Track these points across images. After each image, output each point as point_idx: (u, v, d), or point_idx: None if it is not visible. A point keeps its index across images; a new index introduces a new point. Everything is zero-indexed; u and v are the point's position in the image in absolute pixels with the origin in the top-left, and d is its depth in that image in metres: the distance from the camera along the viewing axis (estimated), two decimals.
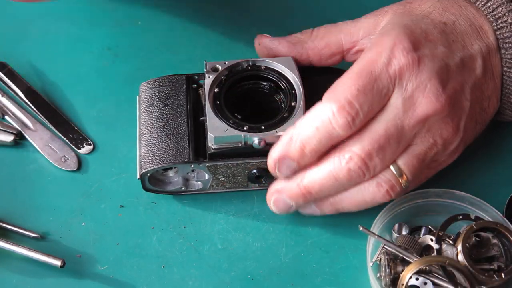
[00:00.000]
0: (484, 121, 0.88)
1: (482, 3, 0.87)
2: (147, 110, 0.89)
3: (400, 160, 0.82)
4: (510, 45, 0.86)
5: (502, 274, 0.83)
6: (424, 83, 0.80)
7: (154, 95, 0.90)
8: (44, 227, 0.89)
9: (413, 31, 0.82)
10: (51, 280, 0.86)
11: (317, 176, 0.82)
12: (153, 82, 0.91)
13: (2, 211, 0.90)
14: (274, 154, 0.82)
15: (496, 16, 0.86)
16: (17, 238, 0.88)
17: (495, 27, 0.87)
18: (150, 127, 0.88)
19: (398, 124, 0.80)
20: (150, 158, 0.86)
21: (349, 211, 0.86)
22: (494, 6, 0.87)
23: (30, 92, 0.97)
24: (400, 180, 0.82)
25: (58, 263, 0.84)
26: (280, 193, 0.85)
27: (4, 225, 0.88)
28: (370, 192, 0.82)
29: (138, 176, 0.87)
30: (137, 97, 0.92)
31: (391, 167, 0.82)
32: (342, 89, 0.80)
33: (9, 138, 0.94)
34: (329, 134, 0.80)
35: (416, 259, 0.83)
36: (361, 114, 0.79)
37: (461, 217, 0.86)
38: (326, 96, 0.81)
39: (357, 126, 0.80)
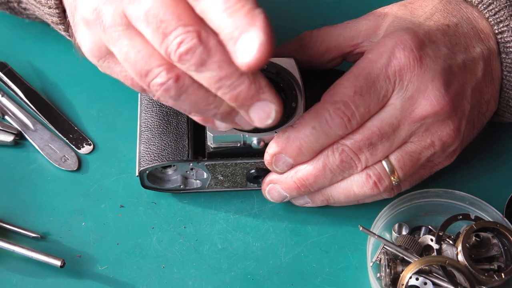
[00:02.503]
0: (481, 125, 0.89)
1: (484, 6, 0.87)
2: (148, 108, 0.89)
3: (393, 156, 0.82)
4: (511, 49, 0.86)
5: (502, 274, 0.83)
6: (426, 84, 0.80)
7: None
8: (44, 227, 0.89)
9: (416, 33, 0.82)
10: (51, 280, 0.86)
11: (311, 168, 0.82)
12: None
13: (2, 211, 0.90)
14: (271, 150, 0.82)
15: (498, 20, 0.86)
16: (17, 238, 0.88)
17: (496, 31, 0.87)
18: (150, 125, 0.88)
19: (393, 123, 0.80)
20: (149, 156, 0.86)
21: (339, 202, 0.86)
22: (496, 9, 0.86)
23: (30, 92, 0.97)
24: (391, 176, 0.82)
25: (58, 263, 0.84)
26: (275, 184, 0.85)
27: (4, 225, 0.88)
28: (359, 182, 0.83)
29: (137, 173, 0.87)
30: (139, 94, 0.92)
31: (383, 161, 0.82)
32: (340, 90, 0.80)
33: (9, 138, 0.94)
34: (325, 134, 0.80)
35: (416, 259, 0.83)
36: (358, 115, 0.79)
37: (461, 217, 0.86)
38: (324, 97, 0.81)
39: (354, 126, 0.80)
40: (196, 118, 0.78)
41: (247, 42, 0.64)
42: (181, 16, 0.67)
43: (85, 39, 0.76)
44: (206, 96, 0.71)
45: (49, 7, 0.88)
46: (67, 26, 0.89)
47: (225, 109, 0.72)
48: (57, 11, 0.88)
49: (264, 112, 0.71)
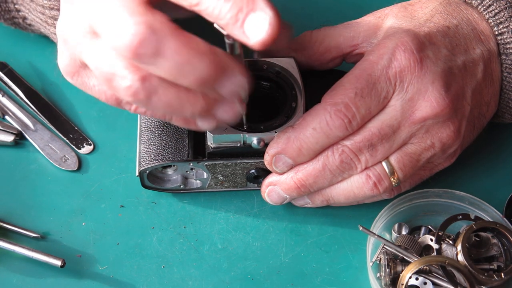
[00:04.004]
0: (481, 126, 0.89)
1: (484, 7, 0.87)
2: None
3: (393, 157, 0.82)
4: (511, 51, 0.86)
5: (502, 274, 0.83)
6: (426, 86, 0.80)
7: None
8: (44, 227, 0.89)
9: (416, 34, 0.82)
10: (51, 280, 0.86)
11: (311, 169, 0.82)
12: None
13: (2, 211, 0.90)
14: (271, 151, 0.83)
15: (498, 21, 0.86)
16: (17, 238, 0.88)
17: (497, 32, 0.87)
18: (151, 125, 0.88)
19: (394, 125, 0.80)
20: (149, 156, 0.86)
21: (339, 203, 0.86)
22: (496, 10, 0.87)
23: (30, 92, 0.97)
24: (390, 177, 0.82)
25: (58, 263, 0.84)
26: (275, 186, 0.85)
27: (4, 225, 0.88)
28: (359, 183, 0.83)
29: (137, 173, 0.87)
30: None
31: (383, 162, 0.82)
32: (341, 92, 0.80)
33: (9, 138, 0.94)
34: (326, 135, 0.80)
35: (416, 259, 0.83)
36: (358, 117, 0.79)
37: (461, 217, 0.86)
38: (325, 98, 0.81)
39: (354, 128, 0.80)
40: (176, 122, 0.78)
41: (257, 20, 0.66)
42: (132, 11, 0.67)
43: (62, 56, 0.77)
44: (177, 94, 0.70)
45: (56, 27, 0.89)
46: None
47: (201, 106, 0.72)
48: None
49: (234, 85, 0.70)
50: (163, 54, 0.67)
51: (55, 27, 0.89)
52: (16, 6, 0.95)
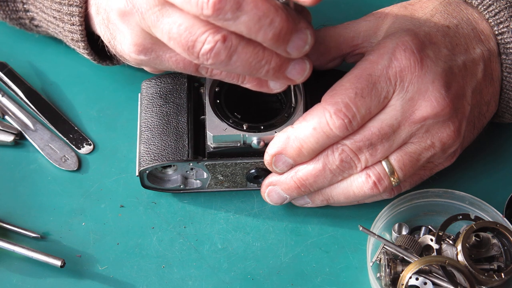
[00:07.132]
0: (481, 126, 0.89)
1: (484, 7, 0.87)
2: (148, 108, 0.89)
3: (393, 157, 0.82)
4: (511, 50, 0.86)
5: (502, 274, 0.83)
6: (426, 85, 0.80)
7: (156, 93, 0.90)
8: (44, 227, 0.89)
9: (416, 34, 0.82)
10: (51, 280, 0.86)
11: (311, 168, 0.82)
12: (155, 79, 0.91)
13: (2, 211, 0.90)
14: (271, 150, 0.83)
15: (498, 21, 0.86)
16: (17, 238, 0.88)
17: (497, 32, 0.87)
18: (150, 125, 0.88)
19: (393, 124, 0.80)
20: (149, 156, 0.86)
21: (339, 202, 0.87)
22: (496, 10, 0.87)
23: (30, 92, 0.97)
24: (390, 176, 0.82)
25: (58, 263, 0.84)
26: (275, 186, 0.85)
27: (4, 225, 0.88)
28: (359, 182, 0.83)
29: (137, 173, 0.87)
30: (139, 94, 0.92)
31: (383, 162, 0.82)
32: (341, 92, 0.80)
33: (9, 138, 0.94)
34: (326, 135, 0.80)
35: (416, 259, 0.83)
36: (358, 117, 0.79)
37: (461, 217, 0.86)
38: (325, 98, 0.81)
39: (354, 127, 0.80)
40: (249, 84, 0.79)
41: None
42: None
43: (127, 36, 0.78)
44: (255, 51, 0.72)
45: (72, 24, 0.89)
46: (87, 43, 0.91)
47: (276, 63, 0.74)
48: (80, 28, 0.89)
49: (302, 40, 0.73)
50: (242, 8, 0.69)
51: (71, 24, 0.88)
52: (25, 6, 0.94)
